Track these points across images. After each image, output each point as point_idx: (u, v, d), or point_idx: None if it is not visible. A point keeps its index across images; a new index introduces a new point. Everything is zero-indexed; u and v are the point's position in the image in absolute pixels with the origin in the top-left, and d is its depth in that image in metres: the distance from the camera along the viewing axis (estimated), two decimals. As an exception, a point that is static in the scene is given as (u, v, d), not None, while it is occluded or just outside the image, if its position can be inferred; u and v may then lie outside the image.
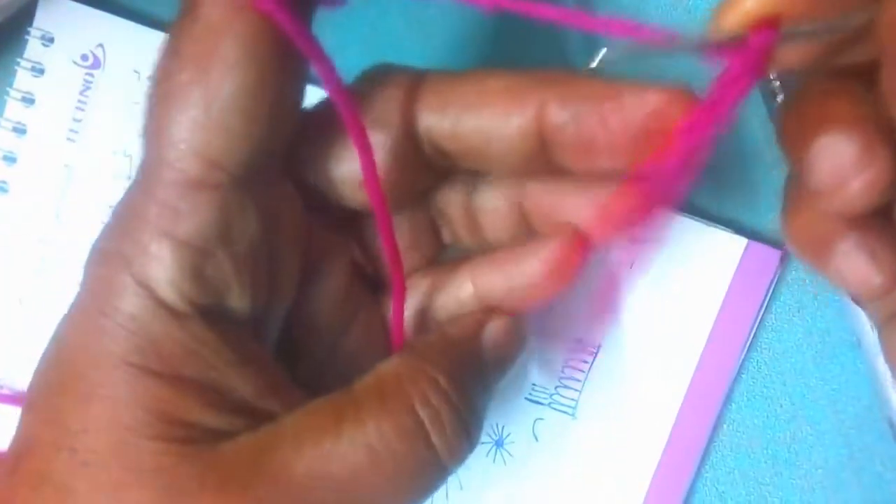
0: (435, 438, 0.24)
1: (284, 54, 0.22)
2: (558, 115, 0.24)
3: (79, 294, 0.23)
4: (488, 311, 0.28)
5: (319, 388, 0.24)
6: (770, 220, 0.35)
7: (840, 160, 0.21)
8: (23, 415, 0.24)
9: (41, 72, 0.34)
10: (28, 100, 0.34)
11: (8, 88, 0.34)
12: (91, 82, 0.34)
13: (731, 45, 0.19)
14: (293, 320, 0.26)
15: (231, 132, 0.21)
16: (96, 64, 0.34)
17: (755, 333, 0.35)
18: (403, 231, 0.28)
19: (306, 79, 0.23)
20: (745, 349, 0.35)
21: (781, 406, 0.35)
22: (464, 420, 0.24)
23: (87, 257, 0.23)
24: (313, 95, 0.25)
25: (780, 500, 0.36)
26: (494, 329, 0.27)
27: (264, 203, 0.23)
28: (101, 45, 0.34)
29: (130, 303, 0.22)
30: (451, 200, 0.29)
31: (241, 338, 0.23)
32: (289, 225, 0.25)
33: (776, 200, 0.26)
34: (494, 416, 0.35)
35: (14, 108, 0.34)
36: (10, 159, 0.34)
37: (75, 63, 0.34)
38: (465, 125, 0.25)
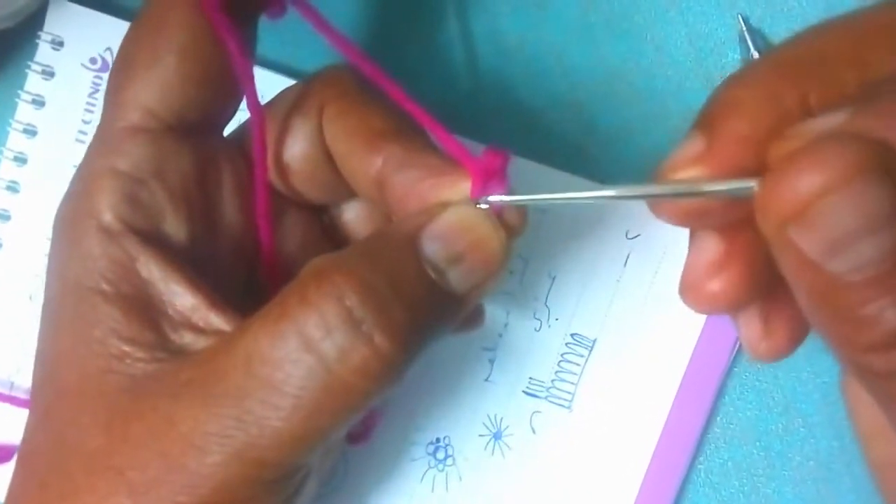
0: (324, 345, 0.22)
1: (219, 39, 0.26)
2: (392, 176, 0.26)
3: (51, 243, 0.26)
4: (440, 204, 0.25)
5: None
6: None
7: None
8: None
9: (51, 75, 0.35)
10: (38, 102, 0.35)
11: (19, 91, 0.35)
12: (99, 85, 0.35)
13: (478, 161, 0.25)
14: (263, 267, 0.28)
15: (168, 88, 0.26)
16: (104, 67, 0.35)
17: (747, 328, 0.35)
18: (355, 214, 0.31)
19: (249, 60, 0.27)
20: (739, 343, 0.35)
21: (774, 399, 0.36)
22: (364, 326, 0.22)
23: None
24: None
25: (772, 492, 0.36)
26: (442, 222, 0.24)
27: (201, 153, 0.27)
28: (109, 49, 0.35)
29: (80, 232, 0.25)
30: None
31: (178, 261, 0.25)
32: (229, 177, 0.28)
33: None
34: (493, 409, 0.36)
35: (25, 111, 0.35)
36: (21, 160, 0.35)
37: (84, 66, 0.35)
38: (342, 149, 0.27)
